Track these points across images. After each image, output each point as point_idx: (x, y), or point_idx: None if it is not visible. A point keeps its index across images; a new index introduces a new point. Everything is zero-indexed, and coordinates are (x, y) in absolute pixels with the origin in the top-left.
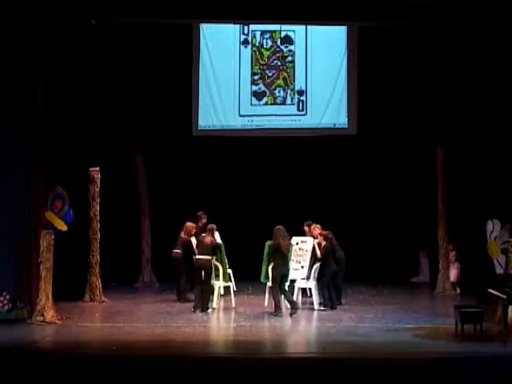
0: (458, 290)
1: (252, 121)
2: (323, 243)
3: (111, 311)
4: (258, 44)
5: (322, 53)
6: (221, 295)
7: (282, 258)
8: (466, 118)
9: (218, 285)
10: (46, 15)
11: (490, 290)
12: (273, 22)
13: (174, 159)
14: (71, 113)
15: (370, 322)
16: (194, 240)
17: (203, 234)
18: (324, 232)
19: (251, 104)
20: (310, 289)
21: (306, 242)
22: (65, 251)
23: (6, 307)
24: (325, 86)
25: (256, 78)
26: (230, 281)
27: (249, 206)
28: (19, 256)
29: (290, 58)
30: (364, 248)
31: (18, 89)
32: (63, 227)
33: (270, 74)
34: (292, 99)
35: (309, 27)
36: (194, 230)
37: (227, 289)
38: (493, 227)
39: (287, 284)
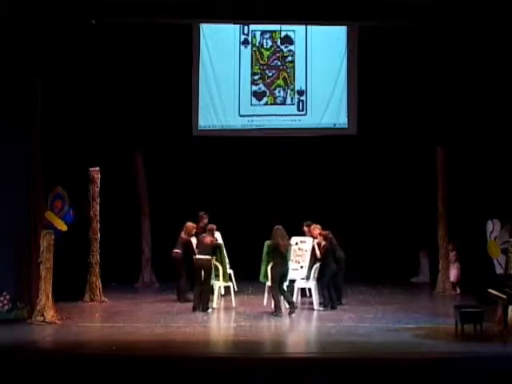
0: (458, 290)
1: (252, 121)
2: (323, 243)
3: (111, 311)
4: (257, 44)
5: (322, 53)
6: (221, 295)
7: (280, 257)
8: (465, 118)
9: (218, 285)
10: (46, 15)
11: (490, 290)
12: (273, 21)
13: (174, 159)
14: (71, 113)
15: (370, 322)
16: (194, 240)
17: (203, 234)
18: (324, 232)
19: (251, 104)
20: (309, 289)
21: (305, 242)
22: (65, 251)
23: (6, 307)
24: (325, 86)
25: (256, 77)
26: (231, 281)
27: (249, 206)
28: (19, 256)
29: (289, 58)
30: (364, 248)
31: (18, 89)
32: (63, 227)
33: (270, 74)
34: (292, 99)
35: (309, 27)
36: (195, 230)
37: (227, 289)
38: (493, 227)
39: (286, 284)
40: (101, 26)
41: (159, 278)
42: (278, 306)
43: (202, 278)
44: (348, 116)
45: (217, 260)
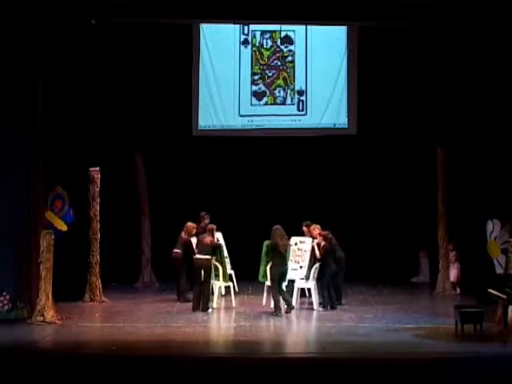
0: (458, 290)
1: (252, 121)
2: (322, 243)
3: (111, 311)
4: (257, 44)
5: (322, 53)
6: (222, 295)
7: (279, 257)
8: (465, 118)
9: (218, 285)
10: (46, 15)
11: (490, 290)
12: (273, 21)
13: (174, 159)
14: (71, 113)
15: (370, 322)
16: (194, 240)
17: (203, 234)
18: (323, 232)
19: (251, 104)
20: (308, 289)
21: (304, 242)
22: (65, 251)
23: (6, 307)
24: (325, 86)
25: (256, 77)
26: (232, 282)
27: (249, 206)
28: (19, 256)
29: (290, 58)
30: (364, 248)
31: (18, 89)
32: (63, 227)
33: (270, 74)
34: (292, 99)
35: (309, 27)
36: (195, 230)
37: (228, 289)
38: (493, 227)
39: (285, 284)
40: (101, 26)
41: (159, 277)
42: (277, 306)
43: (202, 277)
44: (348, 116)
45: (217, 260)
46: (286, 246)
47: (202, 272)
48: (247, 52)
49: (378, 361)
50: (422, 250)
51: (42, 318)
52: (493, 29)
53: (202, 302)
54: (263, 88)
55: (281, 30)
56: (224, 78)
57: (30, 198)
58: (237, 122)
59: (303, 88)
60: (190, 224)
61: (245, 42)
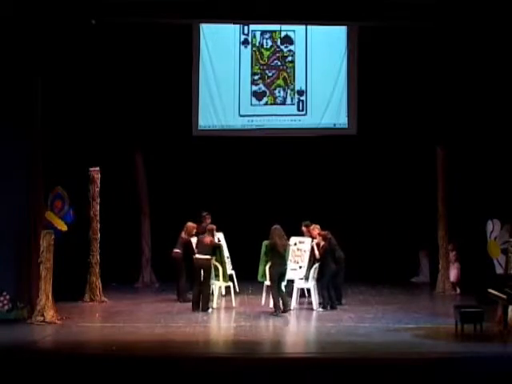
0: (458, 290)
1: (252, 121)
2: (322, 243)
3: (111, 311)
4: (257, 44)
5: (322, 53)
6: (222, 295)
7: (278, 257)
8: (465, 118)
9: (219, 285)
10: (46, 15)
11: (490, 290)
12: (273, 21)
13: (174, 159)
14: (71, 113)
15: (370, 322)
16: (194, 240)
17: (203, 234)
18: (323, 232)
19: (251, 104)
20: (308, 289)
21: (303, 242)
22: (65, 251)
23: (6, 307)
24: (325, 86)
25: (256, 77)
26: (232, 282)
27: (249, 206)
28: (19, 256)
29: (290, 58)
30: (364, 248)
31: (18, 89)
32: (63, 227)
33: (270, 74)
34: (292, 99)
35: (309, 27)
36: (195, 230)
37: (228, 289)
38: (493, 227)
39: (284, 284)
40: (101, 26)
41: (159, 277)
42: (277, 306)
43: (202, 277)
44: (348, 116)
45: (217, 260)
46: (285, 246)
47: (202, 272)
48: (247, 52)
49: (378, 361)
50: (422, 250)
51: (41, 318)
52: (493, 29)
53: (201, 302)
54: (263, 88)
55: (281, 30)
56: (224, 78)
57: (30, 198)
58: (237, 122)
59: (303, 88)
60: (190, 224)
61: (245, 42)
